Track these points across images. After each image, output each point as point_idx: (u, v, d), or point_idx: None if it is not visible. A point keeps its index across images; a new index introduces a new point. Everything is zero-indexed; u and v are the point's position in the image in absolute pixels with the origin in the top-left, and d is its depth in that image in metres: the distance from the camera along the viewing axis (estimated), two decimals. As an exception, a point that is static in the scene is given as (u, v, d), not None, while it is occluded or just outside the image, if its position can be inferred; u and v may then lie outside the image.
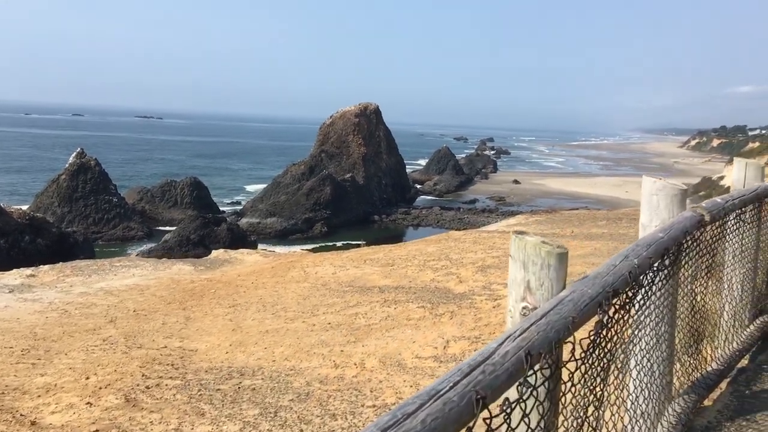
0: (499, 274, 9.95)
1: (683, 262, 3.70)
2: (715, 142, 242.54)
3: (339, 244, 63.88)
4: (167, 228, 61.29)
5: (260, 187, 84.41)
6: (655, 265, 3.12)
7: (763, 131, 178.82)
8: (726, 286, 4.78)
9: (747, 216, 4.78)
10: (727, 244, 4.64)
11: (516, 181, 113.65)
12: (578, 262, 10.30)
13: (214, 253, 18.58)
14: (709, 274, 4.31)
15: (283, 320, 7.79)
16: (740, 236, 4.78)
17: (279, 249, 61.68)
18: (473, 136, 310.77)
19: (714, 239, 4.25)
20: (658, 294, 3.27)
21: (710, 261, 4.22)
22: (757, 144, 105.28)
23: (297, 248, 61.86)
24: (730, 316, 4.70)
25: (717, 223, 4.21)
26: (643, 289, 2.96)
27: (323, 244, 63.83)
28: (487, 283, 9.11)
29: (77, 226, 56.92)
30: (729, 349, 4.72)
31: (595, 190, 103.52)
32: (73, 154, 64.01)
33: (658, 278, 3.23)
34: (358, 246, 57.97)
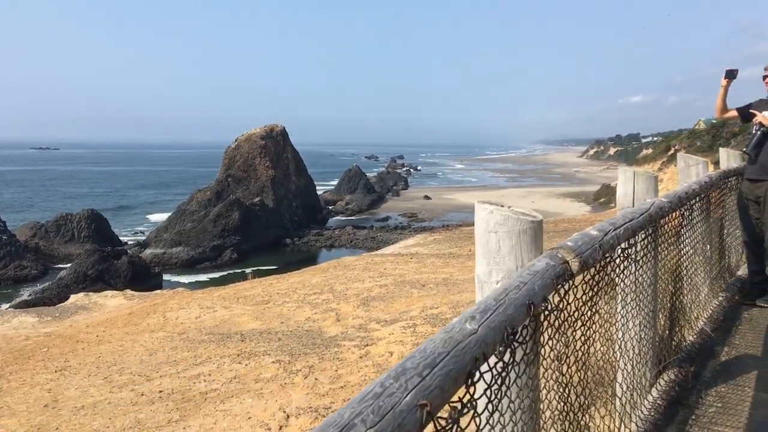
0: (382, 307, 9.45)
1: (537, 351, 2.29)
2: (612, 150, 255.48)
3: (248, 270, 62.34)
4: (65, 265, 57.88)
5: (164, 216, 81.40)
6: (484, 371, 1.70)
7: (655, 138, 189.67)
8: (618, 350, 3.47)
9: (639, 248, 3.53)
10: (610, 296, 3.20)
11: (427, 197, 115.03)
12: (469, 287, 10.02)
13: (73, 297, 17.04)
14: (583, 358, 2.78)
15: (110, 388, 6.90)
16: (632, 280, 3.50)
17: (185, 279, 59.54)
18: (383, 154, 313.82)
19: (584, 303, 2.66)
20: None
21: (581, 337, 2.69)
22: (650, 150, 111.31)
23: (205, 277, 59.86)
24: (625, 388, 3.44)
25: (591, 271, 2.70)
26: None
27: (233, 272, 62.11)
28: (366, 320, 8.59)
29: (-38, 268, 52.90)
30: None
31: (503, 202, 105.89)
32: (-46, 191, 59.60)
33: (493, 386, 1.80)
34: (271, 271, 56.84)
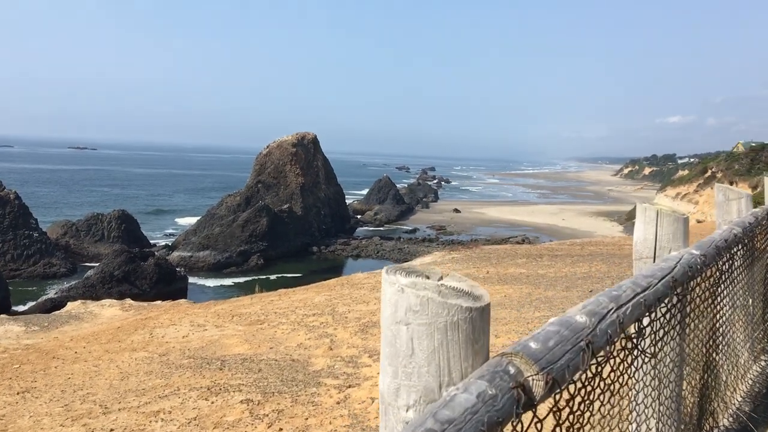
0: (380, 335, 8.75)
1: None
2: (647, 170, 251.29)
3: (273, 277, 62.24)
4: (93, 264, 58.31)
5: (194, 219, 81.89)
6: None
7: (692, 159, 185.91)
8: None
9: (656, 328, 2.64)
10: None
11: (456, 210, 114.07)
12: None
13: (70, 305, 16.64)
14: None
15: (62, 420, 6.33)
16: (645, 374, 2.69)
17: (211, 282, 59.65)
18: (415, 166, 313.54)
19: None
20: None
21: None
22: (686, 172, 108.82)
23: (230, 281, 59.84)
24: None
25: (569, 389, 1.78)
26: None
27: (258, 277, 62.10)
28: (359, 351, 7.92)
29: (-7, 263, 53.58)
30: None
31: (534, 218, 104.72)
32: (-10, 187, 60.59)
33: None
34: (295, 279, 56.57)
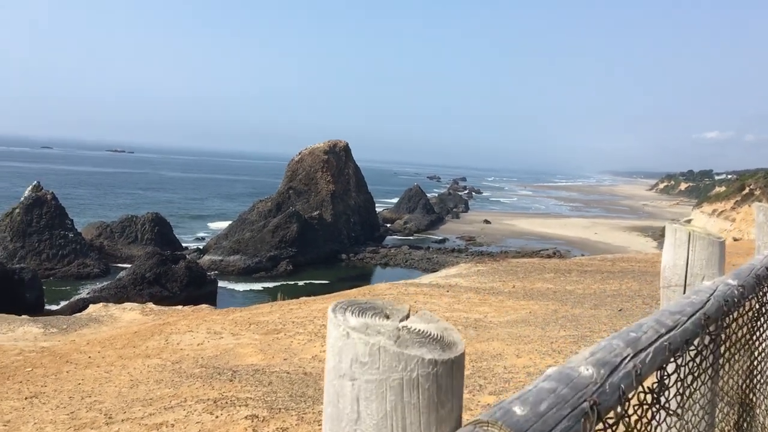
0: None
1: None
2: (683, 186, 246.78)
3: (302, 283, 62.40)
4: (126, 265, 59.09)
5: (225, 223, 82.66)
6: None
7: (729, 176, 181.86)
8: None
9: (682, 375, 1.99)
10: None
11: (487, 221, 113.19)
12: (501, 332, 8.93)
13: (92, 307, 16.68)
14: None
15: (66, 428, 6.22)
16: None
17: (240, 287, 60.00)
18: (446, 176, 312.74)
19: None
20: None
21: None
22: (723, 188, 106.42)
23: (259, 286, 60.12)
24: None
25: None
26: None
27: (287, 283, 62.35)
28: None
29: (29, 262, 54.50)
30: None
31: (565, 231, 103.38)
32: (29, 188, 61.83)
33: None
34: (323, 285, 56.55)
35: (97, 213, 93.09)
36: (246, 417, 6.01)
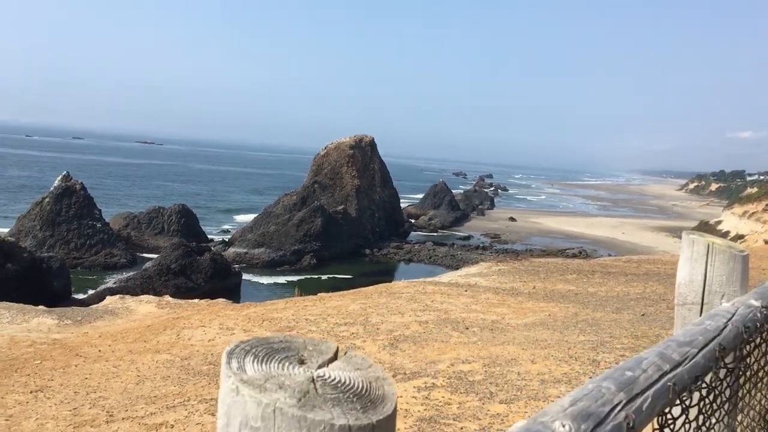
0: (410, 352, 8.28)
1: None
2: (714, 186, 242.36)
3: (325, 277, 62.49)
4: (152, 255, 59.71)
5: (251, 216, 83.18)
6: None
7: (761, 177, 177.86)
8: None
9: (690, 418, 1.74)
10: None
11: (512, 219, 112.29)
12: (518, 336, 8.68)
13: (108, 299, 16.69)
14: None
15: (63, 427, 6.14)
16: None
17: (264, 280, 60.26)
18: (472, 172, 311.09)
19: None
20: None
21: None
22: (755, 189, 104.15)
23: (283, 279, 60.34)
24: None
25: None
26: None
27: (310, 277, 62.55)
28: (384, 369, 7.54)
29: (58, 251, 55.33)
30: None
31: (592, 231, 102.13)
32: (59, 177, 62.74)
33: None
34: (346, 280, 56.58)
35: (125, 204, 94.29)
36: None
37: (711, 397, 1.65)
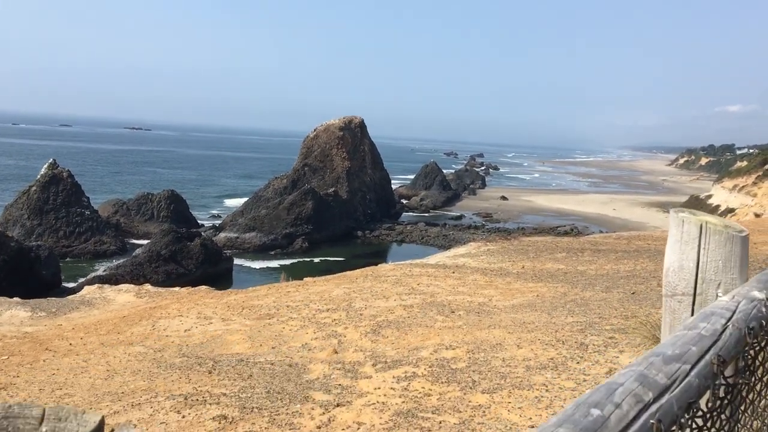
0: (393, 338, 8.03)
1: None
2: (704, 161, 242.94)
3: (317, 260, 62.29)
4: (142, 242, 59.27)
5: (241, 201, 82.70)
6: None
7: (751, 150, 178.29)
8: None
9: None
10: None
11: (504, 197, 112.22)
12: (504, 318, 8.44)
13: (86, 289, 16.33)
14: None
15: None
16: None
17: (256, 264, 59.97)
18: (463, 152, 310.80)
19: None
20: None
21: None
22: (744, 163, 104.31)
23: (276, 263, 60.04)
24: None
25: None
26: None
27: (302, 260, 62.39)
28: (365, 357, 7.26)
29: (47, 240, 54.80)
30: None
31: (583, 208, 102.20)
32: (45, 165, 62.00)
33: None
34: (338, 263, 56.36)
35: (114, 190, 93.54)
36: (214, 418, 5.65)
37: (708, 424, 1.28)
